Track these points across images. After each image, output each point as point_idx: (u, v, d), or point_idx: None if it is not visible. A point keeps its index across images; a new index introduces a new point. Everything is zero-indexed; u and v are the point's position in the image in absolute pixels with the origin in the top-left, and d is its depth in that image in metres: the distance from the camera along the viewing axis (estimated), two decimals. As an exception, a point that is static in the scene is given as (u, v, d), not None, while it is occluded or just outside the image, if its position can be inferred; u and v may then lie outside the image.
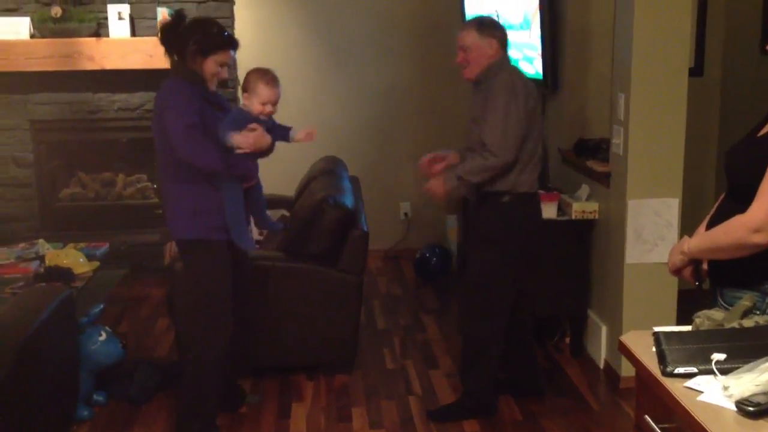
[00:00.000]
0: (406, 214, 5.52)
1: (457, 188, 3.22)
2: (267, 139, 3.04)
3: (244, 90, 3.08)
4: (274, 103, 3.06)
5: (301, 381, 3.70)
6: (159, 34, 3.02)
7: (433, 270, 5.05)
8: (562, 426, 3.28)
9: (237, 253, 3.13)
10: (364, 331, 4.14)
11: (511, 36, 4.34)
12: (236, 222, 3.02)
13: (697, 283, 2.06)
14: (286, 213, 4.39)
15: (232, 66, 3.03)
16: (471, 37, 3.19)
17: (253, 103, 3.02)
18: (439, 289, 4.95)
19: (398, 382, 3.69)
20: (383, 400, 3.53)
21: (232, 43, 3.01)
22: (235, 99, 5.11)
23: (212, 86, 3.01)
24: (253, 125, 3.00)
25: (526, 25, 4.12)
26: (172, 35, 2.97)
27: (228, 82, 5.05)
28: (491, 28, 3.23)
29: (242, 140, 2.93)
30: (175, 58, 2.99)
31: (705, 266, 2.04)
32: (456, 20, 5.03)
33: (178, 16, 2.99)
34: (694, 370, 1.66)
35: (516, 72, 3.25)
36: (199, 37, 2.93)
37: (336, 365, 3.78)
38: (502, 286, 3.25)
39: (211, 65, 2.94)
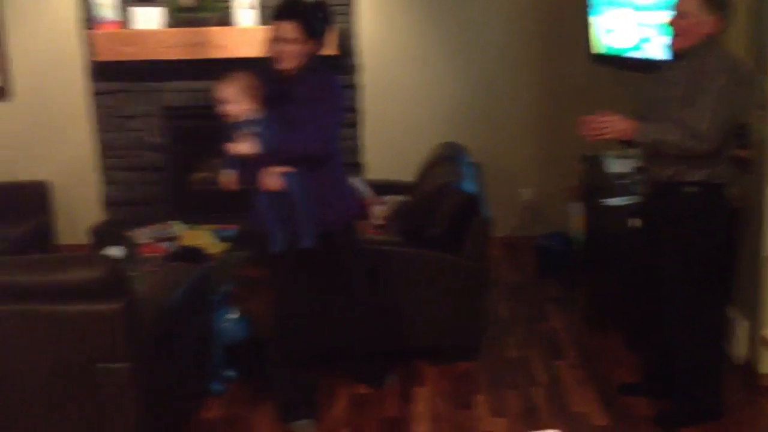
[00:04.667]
0: (527, 200, 5.42)
1: (642, 144, 3.02)
2: (248, 144, 2.89)
3: None
4: (233, 101, 2.91)
5: (422, 366, 3.70)
6: None
7: (555, 259, 4.94)
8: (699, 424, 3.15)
9: (330, 246, 3.16)
10: (485, 319, 4.09)
11: (642, 17, 4.21)
12: (261, 219, 3.04)
13: None
14: (407, 198, 4.40)
15: (286, 40, 2.92)
16: (694, 5, 2.89)
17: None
18: (562, 279, 4.84)
19: (521, 372, 3.64)
20: (506, 389, 3.48)
21: (274, 15, 2.95)
22: (354, 86, 5.17)
23: (279, 64, 2.94)
24: (240, 132, 2.92)
25: (661, 5, 3.95)
26: None
27: (347, 67, 5.10)
28: (722, 5, 2.91)
29: (229, 148, 2.92)
30: None
31: None
32: (581, 7, 4.89)
33: None
34: None
35: (734, 57, 2.94)
36: None
37: (458, 352, 3.76)
38: (705, 284, 3.05)
39: (269, 45, 2.96)
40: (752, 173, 3.43)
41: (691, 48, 2.94)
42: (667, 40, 3.05)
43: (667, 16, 3.04)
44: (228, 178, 2.94)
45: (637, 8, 4.27)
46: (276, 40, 2.93)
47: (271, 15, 3.00)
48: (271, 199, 2.99)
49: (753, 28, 3.52)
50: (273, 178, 2.97)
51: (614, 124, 2.97)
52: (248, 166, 2.95)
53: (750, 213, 3.45)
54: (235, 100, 2.90)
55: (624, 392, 3.40)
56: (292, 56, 2.95)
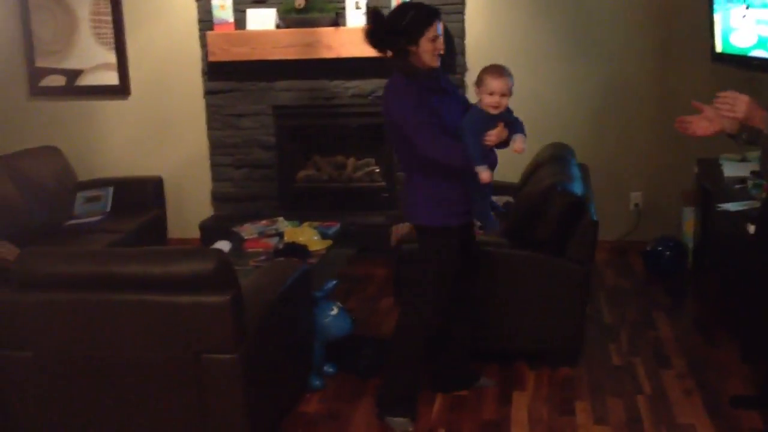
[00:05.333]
0: (636, 204, 5.25)
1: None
2: (505, 133, 3.07)
3: (477, 85, 3.12)
4: (503, 93, 3.03)
5: (522, 369, 3.65)
6: (366, 39, 3.07)
7: (666, 265, 4.76)
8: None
9: (466, 237, 3.20)
10: (589, 324, 3.99)
11: (764, 14, 4.00)
12: (484, 208, 3.14)
13: None
14: (510, 199, 4.35)
15: (441, 35, 3.09)
16: None
17: (482, 94, 3.06)
18: (672, 286, 4.67)
19: (625, 380, 3.53)
20: (609, 396, 3.39)
21: (433, 16, 3.03)
22: (463, 85, 5.15)
23: (435, 63, 3.05)
24: (503, 123, 3.06)
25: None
26: (377, 36, 3.05)
27: (455, 66, 5.10)
28: None
29: (490, 138, 3.03)
30: (389, 54, 3.07)
31: None
32: (700, 6, 4.70)
33: (375, 16, 3.07)
34: None
35: None
36: (401, 29, 3.01)
37: (559, 356, 3.68)
38: None
39: (424, 45, 3.01)
40: None
41: None
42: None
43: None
44: (486, 172, 3.01)
45: (758, 5, 4.06)
46: (436, 39, 3.04)
47: (425, 17, 3.04)
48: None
49: None
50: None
51: (737, 104, 2.76)
52: (492, 155, 3.08)
53: None
54: (506, 93, 3.06)
55: (735, 405, 3.24)
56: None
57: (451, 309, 3.26)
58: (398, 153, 3.20)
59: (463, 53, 5.18)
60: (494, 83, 3.03)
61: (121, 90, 5.56)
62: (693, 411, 3.23)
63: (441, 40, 3.06)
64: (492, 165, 3.06)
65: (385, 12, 3.14)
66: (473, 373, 3.54)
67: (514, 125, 3.10)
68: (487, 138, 3.01)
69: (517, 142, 3.07)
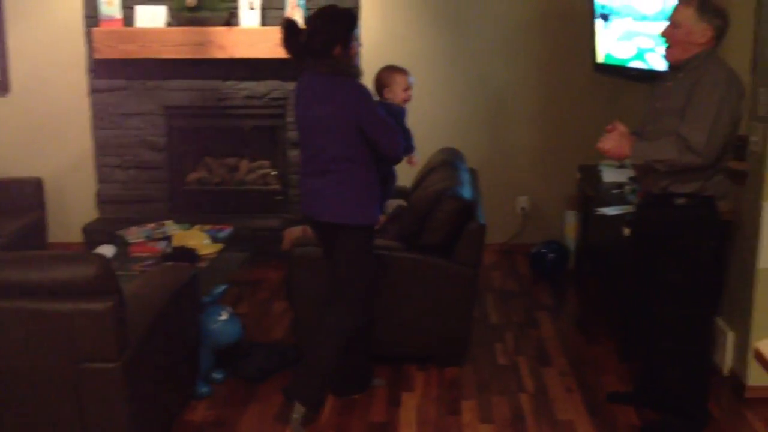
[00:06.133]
0: (522, 208, 5.43)
1: (638, 167, 3.05)
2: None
3: (383, 86, 3.36)
4: (411, 88, 3.46)
5: (412, 371, 3.70)
6: (285, 48, 3.07)
7: (549, 267, 4.95)
8: (682, 435, 3.15)
9: None
10: (476, 325, 4.10)
11: (643, 26, 4.22)
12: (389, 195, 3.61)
13: None
14: (402, 203, 4.41)
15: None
16: (686, 15, 2.87)
17: (396, 91, 3.42)
18: (555, 286, 4.85)
19: (510, 378, 3.64)
20: (494, 395, 3.49)
21: (356, 18, 3.17)
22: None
23: (357, 62, 3.28)
24: None
25: (662, 15, 3.96)
26: (296, 44, 3.06)
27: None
28: (712, 14, 2.87)
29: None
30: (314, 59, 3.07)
31: None
32: (583, 14, 4.90)
33: (290, 25, 3.06)
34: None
35: (731, 69, 2.89)
36: (342, 35, 3.04)
37: (447, 358, 3.76)
38: (694, 295, 3.03)
39: (354, 47, 3.14)
40: (745, 186, 3.43)
41: (688, 59, 2.92)
42: (662, 50, 3.05)
43: (661, 26, 3.04)
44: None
45: (638, 18, 4.27)
46: (357, 38, 3.15)
47: (352, 20, 3.11)
48: None
49: (752, 40, 3.51)
50: None
51: (612, 152, 2.99)
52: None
53: (742, 225, 3.45)
54: (411, 87, 3.52)
55: (612, 400, 3.40)
56: None
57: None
58: (336, 153, 3.07)
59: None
60: (405, 79, 3.45)
61: (0, 86, 5.31)
62: (573, 407, 3.37)
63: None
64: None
65: (279, 14, 3.14)
66: (371, 376, 3.56)
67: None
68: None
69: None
